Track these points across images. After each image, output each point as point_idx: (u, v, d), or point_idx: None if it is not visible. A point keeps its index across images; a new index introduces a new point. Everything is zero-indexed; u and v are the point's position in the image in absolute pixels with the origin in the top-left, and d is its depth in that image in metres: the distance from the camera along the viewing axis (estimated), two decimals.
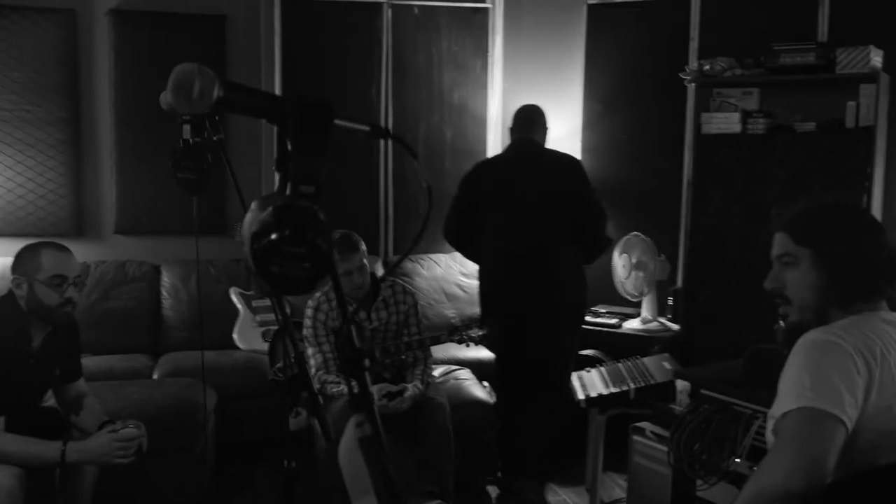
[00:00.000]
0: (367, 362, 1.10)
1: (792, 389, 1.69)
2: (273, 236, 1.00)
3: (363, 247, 3.60)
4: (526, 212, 3.92)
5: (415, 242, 1.18)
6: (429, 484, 3.30)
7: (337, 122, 1.04)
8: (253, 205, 1.03)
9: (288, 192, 1.00)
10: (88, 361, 3.78)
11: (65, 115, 4.89)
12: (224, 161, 2.03)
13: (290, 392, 2.10)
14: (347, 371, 1.12)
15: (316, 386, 3.43)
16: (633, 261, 4.61)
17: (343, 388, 3.51)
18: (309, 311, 3.64)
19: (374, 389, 3.45)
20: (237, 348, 4.52)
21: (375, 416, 1.10)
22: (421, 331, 3.78)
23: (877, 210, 4.21)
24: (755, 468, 1.73)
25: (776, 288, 1.95)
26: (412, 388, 3.51)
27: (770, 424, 1.75)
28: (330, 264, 1.03)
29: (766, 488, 1.61)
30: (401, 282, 3.88)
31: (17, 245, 4.50)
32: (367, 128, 1.11)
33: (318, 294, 3.63)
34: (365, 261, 3.58)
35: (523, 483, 3.91)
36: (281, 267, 1.01)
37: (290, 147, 1.02)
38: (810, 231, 1.92)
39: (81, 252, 4.30)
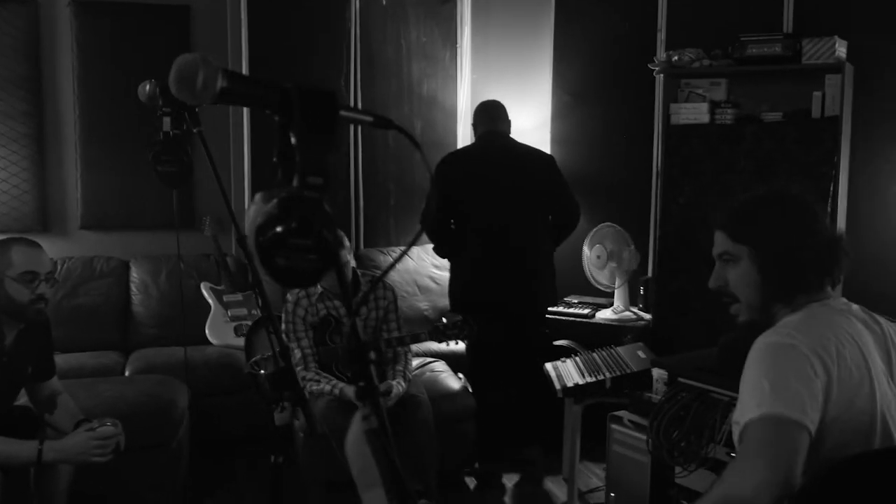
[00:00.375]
0: (372, 355, 1.09)
1: (752, 396, 1.67)
2: (279, 228, 0.98)
3: (347, 243, 3.58)
4: (502, 205, 3.97)
5: (413, 241, 1.16)
6: (414, 482, 3.30)
7: (342, 112, 1.02)
8: (257, 197, 1.02)
9: (295, 183, 0.99)
10: (58, 359, 3.65)
11: (27, 108, 4.79)
12: (205, 153, 2.01)
13: (275, 387, 2.09)
14: (352, 364, 1.11)
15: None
16: (607, 251, 4.64)
17: (323, 386, 3.49)
18: (288, 307, 3.61)
19: (353, 391, 3.45)
20: (209, 343, 4.47)
21: (381, 408, 1.09)
22: (400, 326, 3.77)
23: (843, 198, 4.29)
24: (728, 466, 1.71)
25: (721, 286, 1.95)
26: (396, 387, 3.51)
27: (735, 430, 1.73)
28: (336, 257, 1.02)
29: (733, 498, 1.58)
30: (386, 279, 3.86)
31: None
32: (370, 118, 1.10)
33: (295, 289, 3.60)
34: (349, 257, 3.57)
35: (530, 449, 4.12)
36: (287, 259, 1.00)
37: (295, 138, 1.00)
38: (746, 228, 1.89)
39: (47, 248, 4.15)
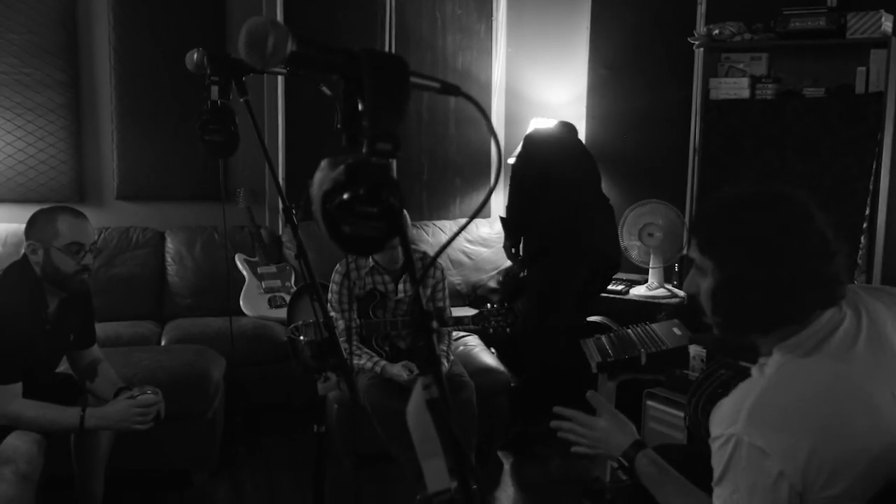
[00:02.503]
0: (434, 324, 1.08)
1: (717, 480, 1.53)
2: (346, 195, 0.97)
3: (408, 219, 3.57)
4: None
5: (477, 212, 1.14)
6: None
7: (411, 78, 1.01)
8: (323, 164, 1.00)
9: (364, 149, 0.97)
10: (96, 328, 3.75)
11: (64, 78, 4.80)
12: (252, 123, 2.00)
13: (319, 356, 2.09)
14: (415, 334, 1.10)
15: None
16: (662, 228, 4.63)
17: (364, 362, 3.50)
18: (337, 278, 3.63)
19: (401, 367, 3.46)
20: (243, 315, 4.50)
21: (442, 378, 1.09)
22: (446, 306, 3.79)
23: (885, 175, 4.22)
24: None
25: (692, 293, 1.68)
26: (442, 366, 3.53)
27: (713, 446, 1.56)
28: (401, 225, 1.01)
29: None
30: (430, 254, 3.87)
31: (16, 212, 4.55)
32: (437, 85, 1.08)
33: (345, 260, 3.60)
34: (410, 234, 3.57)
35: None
36: (353, 227, 0.99)
37: (364, 104, 0.99)
38: (713, 239, 1.59)
39: None
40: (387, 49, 5.27)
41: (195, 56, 2.01)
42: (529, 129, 4.89)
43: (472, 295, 5.00)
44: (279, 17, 5.06)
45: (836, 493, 1.45)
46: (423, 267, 3.59)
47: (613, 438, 1.95)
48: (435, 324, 1.08)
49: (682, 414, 3.15)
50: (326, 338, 2.03)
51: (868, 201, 4.14)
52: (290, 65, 0.99)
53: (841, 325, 1.57)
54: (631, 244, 4.75)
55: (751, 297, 1.54)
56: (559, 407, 2.10)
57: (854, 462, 1.45)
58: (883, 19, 4.07)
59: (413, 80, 1.02)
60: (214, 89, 1.97)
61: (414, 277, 1.12)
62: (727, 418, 1.51)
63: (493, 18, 5.51)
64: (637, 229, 4.72)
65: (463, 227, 1.19)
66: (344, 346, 3.51)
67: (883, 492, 1.43)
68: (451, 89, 1.08)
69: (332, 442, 3.70)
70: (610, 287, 4.71)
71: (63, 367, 3.05)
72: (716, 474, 1.53)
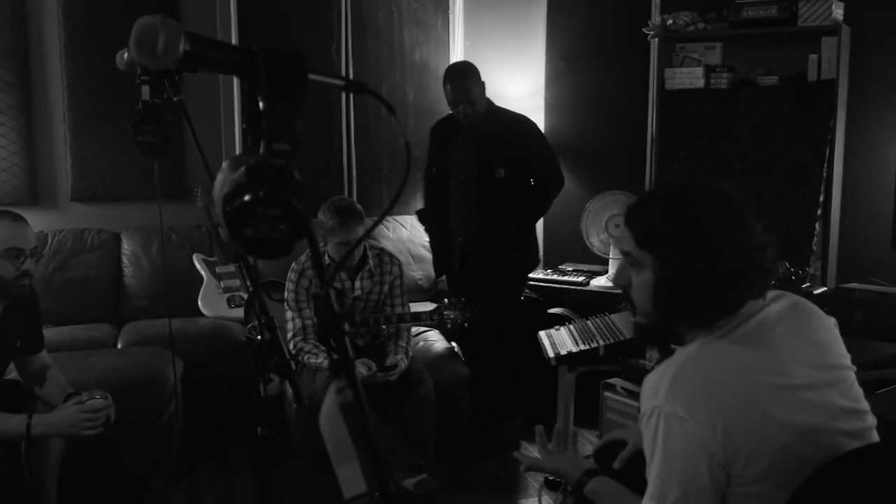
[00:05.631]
0: (346, 326, 1.07)
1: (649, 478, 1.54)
2: (247, 197, 0.95)
3: (364, 217, 3.53)
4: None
5: (392, 204, 1.13)
6: (414, 456, 3.30)
7: (311, 76, 0.99)
8: (224, 165, 0.98)
9: (261, 150, 0.95)
10: (50, 332, 3.70)
11: (14, 80, 4.71)
12: (186, 123, 1.97)
13: (261, 357, 2.07)
14: (326, 335, 1.08)
15: (291, 350, 3.40)
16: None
17: (320, 360, 3.47)
18: (292, 276, 3.59)
19: (360, 364, 3.43)
20: (202, 315, 4.45)
21: (356, 381, 1.07)
22: (404, 302, 3.76)
23: (838, 162, 4.25)
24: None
25: (623, 286, 1.69)
26: (401, 362, 3.51)
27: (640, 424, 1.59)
28: (308, 226, 0.99)
29: None
30: (388, 251, 3.82)
31: None
32: (341, 82, 1.06)
33: (302, 258, 3.57)
34: (360, 230, 3.52)
35: (507, 423, 4.16)
36: (256, 230, 0.97)
37: (262, 104, 0.97)
38: (651, 232, 1.60)
39: (37, 221, 4.19)
40: (344, 43, 5.24)
41: (125, 55, 1.97)
42: None
43: (433, 289, 4.98)
44: (233, 13, 5.01)
45: (758, 473, 1.47)
46: (334, 269, 3.53)
47: (568, 469, 1.98)
48: (347, 326, 1.07)
49: (638, 404, 3.15)
50: (267, 338, 2.00)
51: (822, 188, 4.17)
52: (185, 64, 0.96)
53: (762, 311, 1.61)
54: (593, 235, 4.75)
55: (693, 292, 1.55)
56: (518, 452, 2.27)
57: (772, 441, 1.48)
58: (833, 7, 4.10)
59: (314, 77, 1.00)
60: (145, 89, 1.92)
61: (323, 279, 1.09)
62: (650, 393, 1.55)
63: (450, 12, 5.49)
64: (602, 220, 4.71)
65: (377, 223, 1.17)
66: (300, 344, 3.52)
67: (809, 478, 1.44)
68: (356, 87, 1.06)
69: (291, 441, 3.68)
70: (571, 278, 4.71)
71: (12, 374, 3.00)
72: (647, 454, 1.55)
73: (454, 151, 4.15)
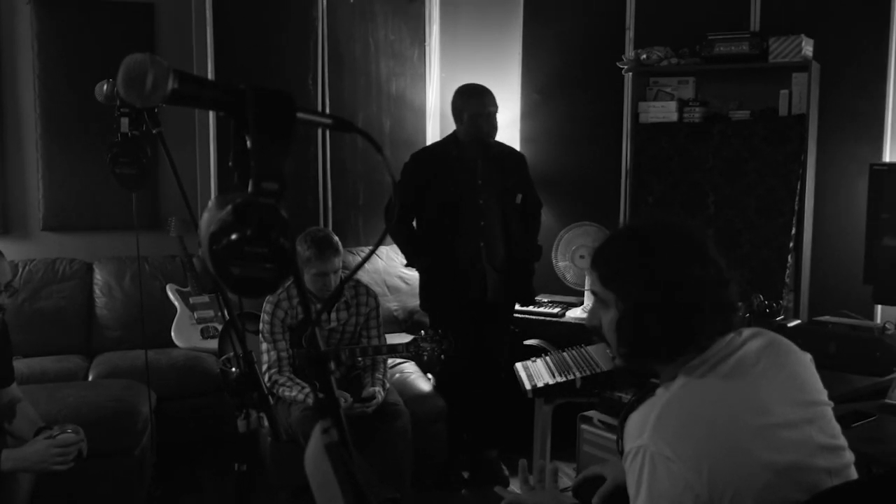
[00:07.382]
0: (332, 365, 1.06)
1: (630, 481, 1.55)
2: (234, 236, 0.95)
3: (341, 249, 3.51)
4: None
5: (382, 237, 1.13)
6: (390, 490, 3.27)
7: (299, 115, 0.99)
8: (210, 203, 0.98)
9: (250, 188, 0.95)
10: (20, 364, 3.63)
11: None
12: (165, 155, 1.96)
13: (237, 393, 2.05)
14: (311, 374, 1.07)
15: (266, 383, 3.36)
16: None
17: (295, 393, 3.43)
18: (268, 307, 3.55)
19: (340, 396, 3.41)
20: (175, 346, 4.40)
21: (342, 421, 1.06)
22: (380, 334, 3.74)
23: (810, 196, 4.31)
24: None
25: (595, 327, 1.72)
26: (378, 396, 3.48)
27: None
28: (294, 265, 0.99)
29: None
30: (364, 282, 3.80)
31: None
32: (329, 121, 1.06)
33: (278, 290, 3.54)
34: (340, 264, 3.50)
35: (487, 452, 4.13)
36: (242, 268, 0.96)
37: (250, 142, 0.96)
38: (613, 272, 1.64)
39: (8, 250, 4.09)
40: (320, 75, 5.25)
41: (105, 87, 1.96)
42: None
43: (409, 320, 4.97)
44: (209, 43, 4.99)
45: None
46: (321, 308, 3.51)
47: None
48: (332, 365, 1.06)
49: (615, 437, 3.15)
50: (244, 373, 1.99)
51: (794, 221, 4.22)
52: (172, 101, 0.96)
53: (741, 349, 1.63)
54: (566, 266, 4.78)
55: (653, 326, 1.59)
56: (499, 487, 2.32)
57: (754, 480, 1.48)
58: (803, 44, 4.18)
59: (302, 115, 1.00)
60: (124, 121, 1.92)
61: (309, 318, 1.09)
62: (635, 432, 1.55)
63: (427, 44, 5.53)
64: (570, 251, 4.75)
65: (367, 258, 1.16)
66: (275, 377, 3.49)
67: None
68: (344, 125, 1.06)
69: (265, 475, 3.63)
70: (546, 310, 4.72)
71: None
72: (631, 493, 1.55)
73: (465, 175, 4.05)
